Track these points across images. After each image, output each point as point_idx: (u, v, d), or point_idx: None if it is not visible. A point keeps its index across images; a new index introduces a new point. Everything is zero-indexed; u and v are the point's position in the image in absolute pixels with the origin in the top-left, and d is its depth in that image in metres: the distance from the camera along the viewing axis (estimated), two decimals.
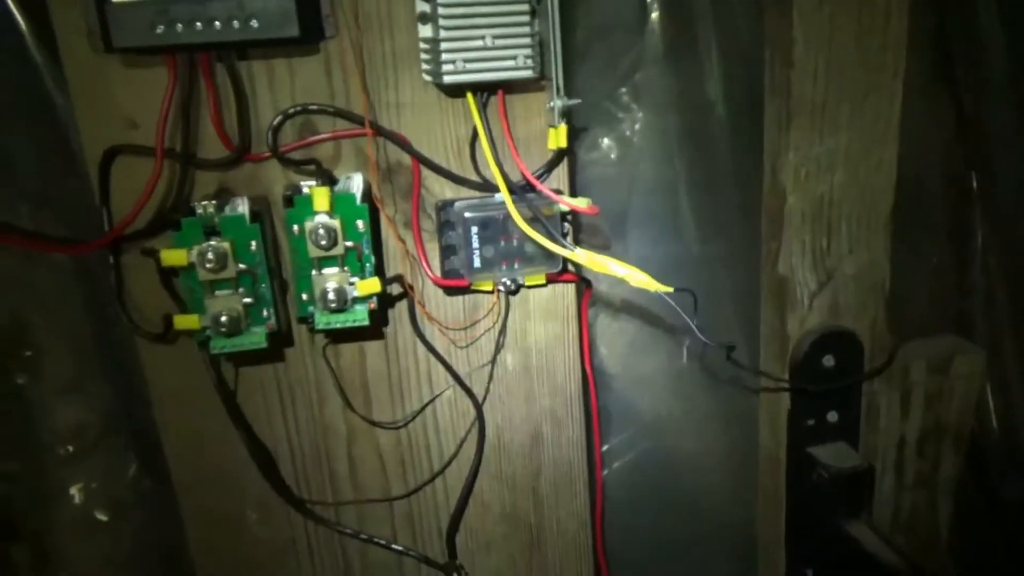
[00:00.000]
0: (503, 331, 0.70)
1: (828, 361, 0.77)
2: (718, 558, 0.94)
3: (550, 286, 0.69)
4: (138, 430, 0.73)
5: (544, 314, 0.70)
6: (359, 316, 0.60)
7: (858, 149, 0.73)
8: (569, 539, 0.80)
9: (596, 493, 0.79)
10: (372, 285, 0.59)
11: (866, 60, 0.70)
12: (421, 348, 0.68)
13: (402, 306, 0.67)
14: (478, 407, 0.71)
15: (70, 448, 0.72)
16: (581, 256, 0.54)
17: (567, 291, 0.70)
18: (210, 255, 0.56)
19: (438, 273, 0.66)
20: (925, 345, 0.84)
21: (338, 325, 0.60)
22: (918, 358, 0.81)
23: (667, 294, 0.52)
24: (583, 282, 0.70)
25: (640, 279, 0.52)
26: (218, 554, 0.71)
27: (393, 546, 0.73)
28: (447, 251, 0.65)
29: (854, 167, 0.73)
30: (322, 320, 0.60)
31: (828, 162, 0.72)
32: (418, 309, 0.67)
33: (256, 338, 0.59)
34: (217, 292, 0.58)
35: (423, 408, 0.71)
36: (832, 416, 0.80)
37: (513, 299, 0.69)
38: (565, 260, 0.65)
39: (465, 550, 0.76)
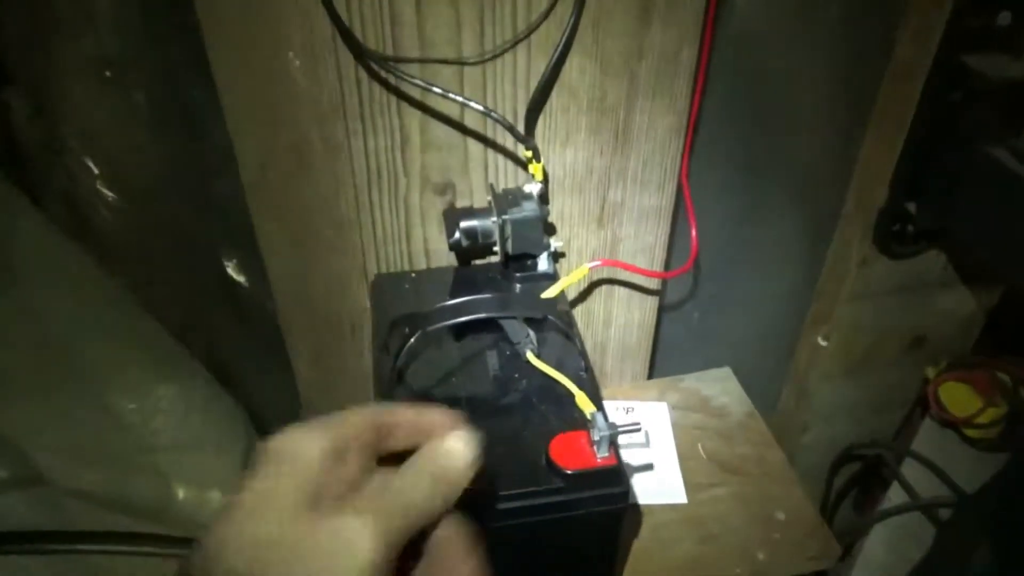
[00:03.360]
0: None
1: None
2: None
3: None
4: None
5: None
6: None
7: None
8: (657, 148, 0.68)
9: (696, 91, 0.66)
10: None
11: None
12: None
13: None
14: None
15: None
16: None
17: None
18: None
19: None
20: None
21: None
22: None
23: None
24: None
25: None
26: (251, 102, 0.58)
27: (471, 106, 0.59)
28: None
29: None
30: None
31: None
32: None
33: None
34: None
35: None
36: (1004, 18, 0.64)
37: None
38: None
39: (541, 139, 0.65)
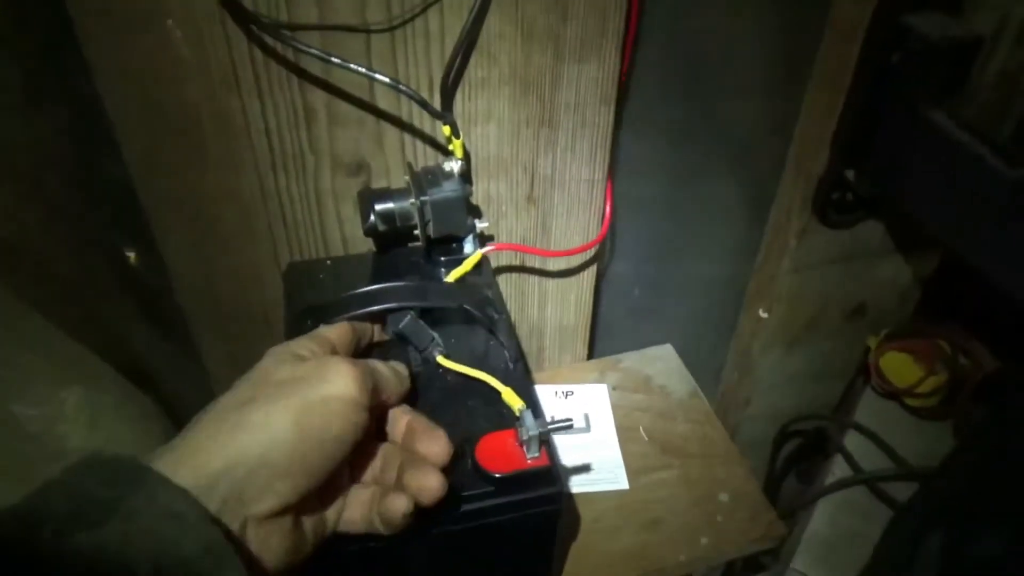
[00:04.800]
0: None
1: None
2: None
3: None
4: None
5: None
6: None
7: None
8: (587, 118, 0.64)
9: (625, 56, 0.62)
10: None
11: None
12: None
13: None
14: None
15: None
16: None
17: None
18: None
19: None
20: None
21: None
22: None
23: None
24: None
25: None
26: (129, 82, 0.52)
27: (377, 79, 0.53)
28: None
29: None
30: None
31: None
32: None
33: None
34: None
35: None
36: None
37: None
38: None
39: (461, 113, 0.60)
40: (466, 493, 0.44)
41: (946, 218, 0.67)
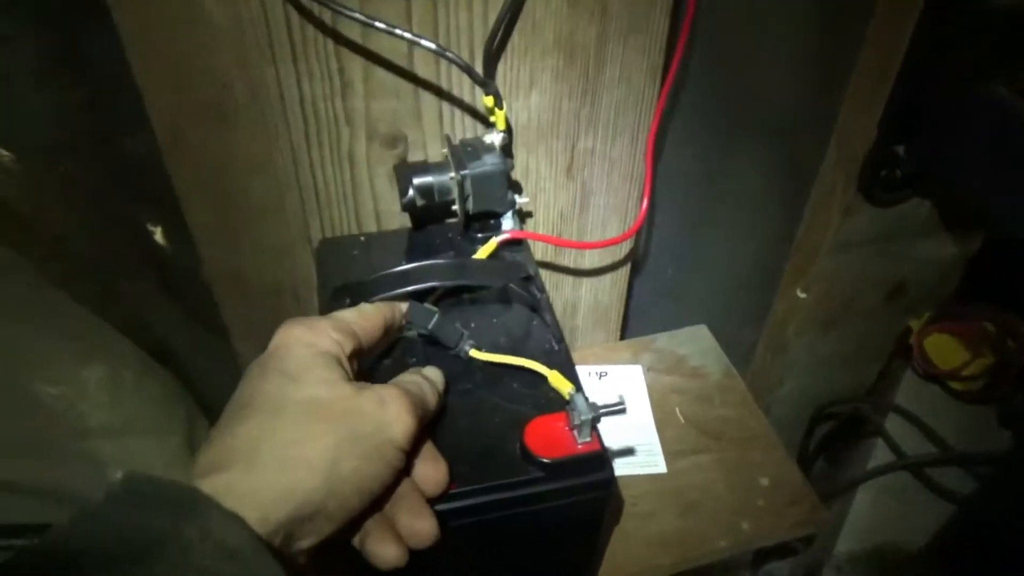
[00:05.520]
0: None
1: None
2: None
3: None
4: None
5: None
6: None
7: None
8: (632, 90, 0.61)
9: (684, 29, 0.59)
10: None
11: None
12: None
13: None
14: None
15: None
16: None
17: None
18: None
19: None
20: None
21: None
22: None
23: None
24: None
25: None
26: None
27: (421, 44, 0.50)
28: None
29: None
30: None
31: None
32: None
33: None
34: None
35: None
36: None
37: None
38: None
39: (503, 82, 0.57)
40: (515, 479, 0.43)
41: (999, 194, 0.64)
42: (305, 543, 0.32)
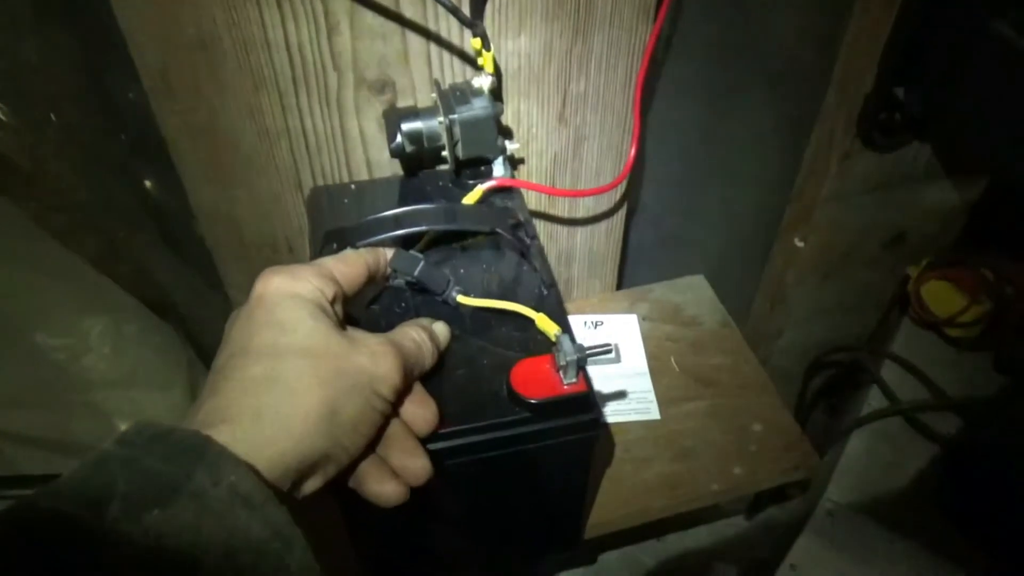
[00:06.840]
0: None
1: None
2: None
3: None
4: None
5: None
6: None
7: None
8: (624, 30, 0.60)
9: None
10: None
11: None
12: None
13: None
14: None
15: None
16: None
17: None
18: None
19: None
20: None
21: None
22: None
23: None
24: None
25: None
26: None
27: None
28: None
29: None
30: None
31: None
32: None
33: None
34: None
35: None
36: None
37: None
38: None
39: (491, 24, 0.56)
40: (502, 420, 0.43)
41: (1004, 138, 0.63)
42: (309, 487, 0.33)
